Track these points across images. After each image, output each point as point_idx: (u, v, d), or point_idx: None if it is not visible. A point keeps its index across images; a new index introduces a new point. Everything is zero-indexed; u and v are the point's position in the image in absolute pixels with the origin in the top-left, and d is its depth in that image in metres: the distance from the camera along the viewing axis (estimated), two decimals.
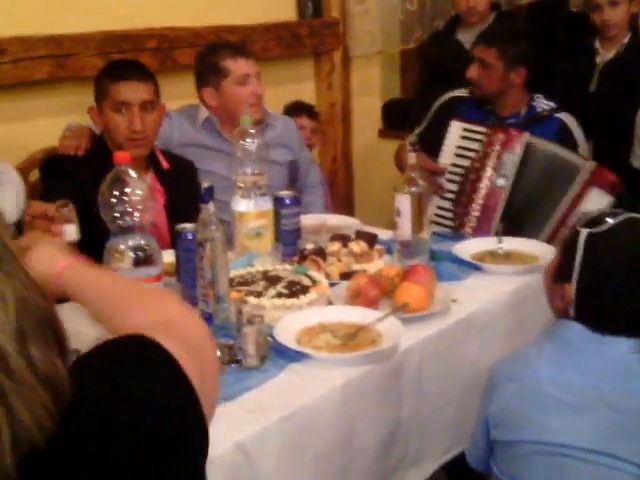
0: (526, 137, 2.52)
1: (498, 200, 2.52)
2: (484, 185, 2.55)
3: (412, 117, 3.26)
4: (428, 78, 3.55)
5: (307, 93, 3.74)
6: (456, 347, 1.80)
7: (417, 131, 2.84)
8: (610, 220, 1.43)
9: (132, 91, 2.21)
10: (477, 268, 2.07)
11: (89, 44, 2.69)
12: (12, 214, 1.94)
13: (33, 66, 2.54)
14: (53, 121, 2.41)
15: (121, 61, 2.42)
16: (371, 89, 4.00)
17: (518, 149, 2.51)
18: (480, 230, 2.49)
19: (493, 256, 2.14)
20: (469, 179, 2.58)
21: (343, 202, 3.97)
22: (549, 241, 2.34)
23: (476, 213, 2.55)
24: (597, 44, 3.16)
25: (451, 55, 3.36)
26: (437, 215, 2.63)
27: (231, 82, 2.55)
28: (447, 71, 3.37)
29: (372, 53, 3.86)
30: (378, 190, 3.74)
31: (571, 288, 1.43)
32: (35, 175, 2.42)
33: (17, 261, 0.81)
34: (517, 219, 2.47)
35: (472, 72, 2.67)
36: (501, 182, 2.53)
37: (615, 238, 1.41)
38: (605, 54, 3.13)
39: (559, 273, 1.48)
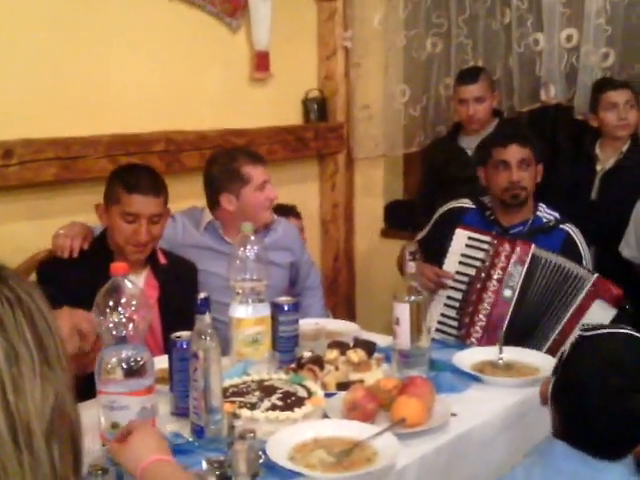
0: (532, 249, 2.51)
1: (504, 311, 2.49)
2: (490, 296, 2.52)
3: (415, 220, 3.28)
4: (431, 181, 3.60)
5: (311, 194, 3.80)
6: (455, 463, 1.75)
7: (418, 237, 2.85)
8: (604, 330, 1.45)
9: (144, 205, 2.25)
10: (477, 379, 2.04)
11: (97, 147, 2.74)
12: None
13: (40, 168, 2.58)
14: (58, 222, 2.43)
15: (136, 169, 2.41)
16: (374, 190, 4.05)
17: (525, 261, 2.50)
18: (486, 341, 2.45)
19: (493, 367, 2.11)
20: (474, 288, 2.56)
21: (344, 302, 3.96)
22: (552, 352, 2.30)
23: (482, 324, 2.51)
24: (597, 150, 3.19)
25: (453, 160, 3.41)
26: (441, 323, 2.60)
27: (251, 189, 2.58)
28: (449, 176, 3.42)
29: (375, 156, 3.93)
30: (380, 290, 3.74)
31: (550, 384, 1.46)
32: (34, 277, 2.42)
33: (68, 368, 0.85)
34: (522, 331, 2.44)
35: (518, 175, 2.64)
36: (507, 293, 2.50)
37: (596, 344, 1.42)
38: (605, 161, 3.16)
39: (554, 367, 1.51)
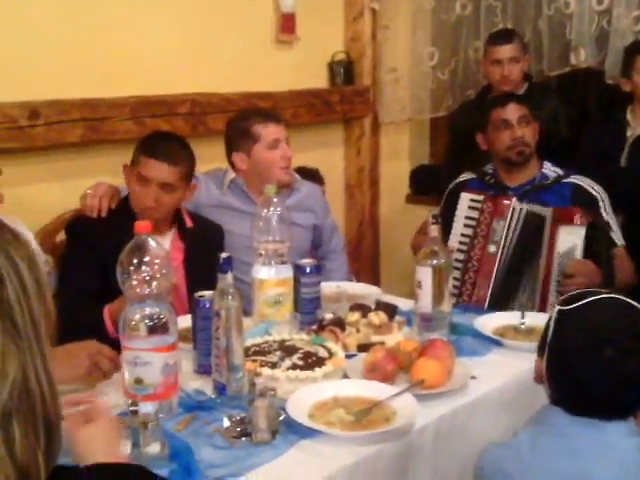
0: (512, 202, 2.59)
1: (491, 267, 2.58)
2: (476, 253, 2.62)
3: (440, 185, 3.27)
4: (457, 146, 3.57)
5: (336, 158, 3.78)
6: (473, 425, 1.76)
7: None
8: (583, 300, 1.39)
9: (157, 171, 2.26)
10: (498, 343, 2.04)
11: (122, 108, 2.75)
12: None
13: (66, 129, 2.60)
14: (84, 182, 2.45)
15: (162, 136, 2.43)
16: (400, 155, 4.03)
17: (506, 215, 2.59)
18: (475, 298, 2.55)
19: (515, 331, 2.11)
20: (469, 248, 2.66)
21: (369, 267, 3.96)
22: (544, 300, 2.45)
23: (471, 281, 2.60)
24: (628, 116, 3.14)
25: (480, 125, 3.38)
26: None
27: (262, 147, 2.60)
28: (475, 140, 3.39)
29: (402, 120, 3.90)
30: (405, 256, 3.71)
31: (542, 364, 1.44)
32: (62, 235, 2.45)
33: (41, 341, 0.80)
34: (509, 284, 2.54)
35: (520, 131, 2.71)
36: (492, 249, 2.59)
37: (580, 317, 1.38)
38: (636, 127, 3.11)
39: (539, 344, 1.48)
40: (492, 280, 2.58)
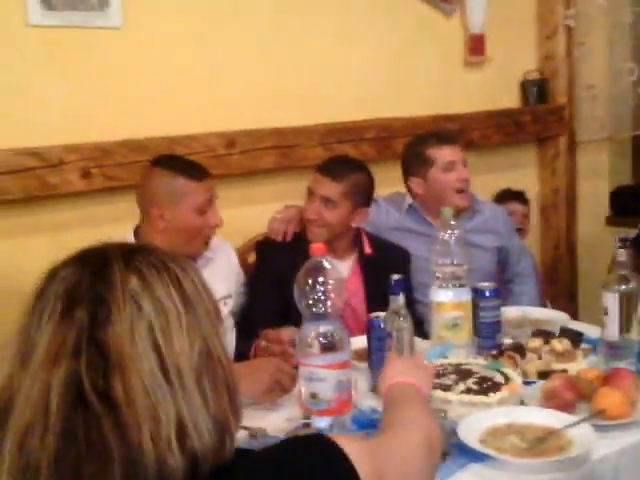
0: None
1: None
2: None
3: None
4: None
5: (528, 179, 3.69)
6: None
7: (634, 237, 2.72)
8: None
9: (318, 184, 2.38)
10: None
11: (311, 136, 2.88)
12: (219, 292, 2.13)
13: (260, 156, 2.76)
14: (276, 206, 2.59)
15: (339, 157, 2.57)
16: (599, 174, 3.85)
17: None
18: None
19: None
20: None
21: (565, 292, 3.81)
22: None
23: None
24: None
25: None
26: None
27: (437, 170, 2.62)
28: None
29: (600, 138, 3.73)
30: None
31: None
32: (254, 256, 2.60)
33: (218, 322, 0.99)
34: None
35: None
36: None
37: None
38: None
39: None
40: None
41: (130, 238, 2.14)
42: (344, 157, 2.57)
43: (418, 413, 1.26)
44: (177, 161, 2.21)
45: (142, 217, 2.18)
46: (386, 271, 2.35)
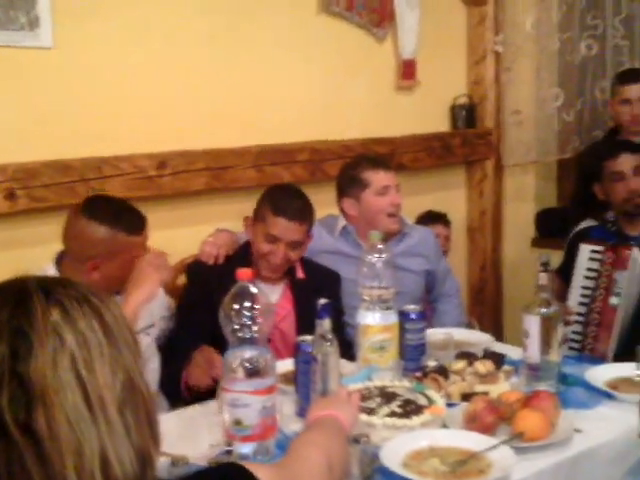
0: (634, 253, 2.51)
1: (612, 319, 2.52)
2: (598, 305, 2.57)
3: (568, 228, 3.20)
4: (585, 188, 3.47)
5: (457, 201, 3.77)
6: None
7: (557, 268, 2.86)
8: None
9: (286, 230, 2.33)
10: (610, 396, 1.96)
11: (244, 157, 2.89)
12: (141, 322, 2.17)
13: (191, 178, 2.75)
14: (207, 228, 2.59)
15: (289, 192, 2.44)
16: (525, 197, 3.96)
17: (626, 266, 2.51)
18: (598, 351, 2.50)
19: (629, 383, 2.02)
20: (591, 301, 2.60)
21: (491, 312, 3.89)
22: None
23: (593, 334, 2.55)
24: None
25: (596, 174, 3.28)
26: (572, 340, 2.62)
27: (371, 193, 2.65)
28: None
29: (526, 162, 3.84)
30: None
31: None
32: (183, 279, 2.59)
33: (138, 353, 1.00)
34: (636, 334, 2.44)
35: (635, 183, 2.65)
36: (614, 301, 2.53)
37: None
38: None
39: None
40: (614, 333, 2.52)
41: (51, 270, 2.08)
42: (291, 191, 2.46)
43: (325, 438, 1.32)
44: (114, 213, 2.08)
45: (70, 256, 2.12)
46: (317, 295, 2.35)
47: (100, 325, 0.95)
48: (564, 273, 2.80)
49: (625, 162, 2.64)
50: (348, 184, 2.69)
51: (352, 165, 2.73)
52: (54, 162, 2.46)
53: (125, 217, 2.09)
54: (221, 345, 2.09)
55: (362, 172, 2.66)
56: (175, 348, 2.26)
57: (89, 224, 2.05)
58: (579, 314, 2.61)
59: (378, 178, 2.65)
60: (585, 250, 2.66)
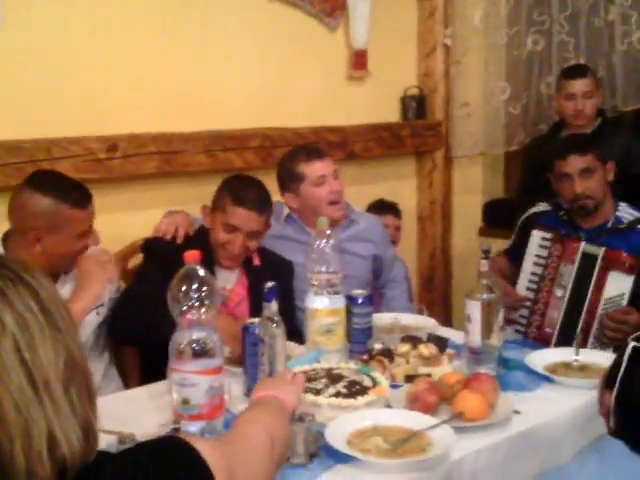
0: (582, 246, 2.58)
1: (556, 310, 2.59)
2: (544, 295, 2.64)
3: (514, 219, 3.28)
4: (530, 180, 3.55)
5: (407, 191, 3.83)
6: (515, 461, 1.76)
7: (506, 248, 2.92)
8: None
9: (246, 220, 2.34)
10: (548, 379, 2.03)
11: (196, 142, 2.89)
12: None
13: (142, 161, 2.75)
14: (157, 213, 2.58)
15: (248, 182, 2.45)
16: (473, 188, 4.04)
17: (574, 259, 2.58)
18: (541, 339, 2.56)
19: (567, 368, 2.10)
20: (538, 288, 2.67)
21: (440, 300, 3.97)
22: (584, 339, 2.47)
23: (537, 323, 2.62)
24: None
25: (554, 159, 3.36)
26: (519, 323, 2.70)
27: (309, 185, 2.65)
28: (548, 175, 3.38)
29: (474, 154, 3.92)
30: None
31: (611, 397, 1.41)
32: (135, 261, 2.59)
33: (74, 327, 1.02)
34: (574, 324, 2.54)
35: (581, 186, 2.64)
36: (559, 293, 2.60)
37: None
38: None
39: (607, 378, 1.46)
40: (558, 324, 2.59)
41: None
42: (249, 181, 2.47)
43: (267, 416, 1.36)
44: (59, 186, 2.07)
45: (14, 231, 2.11)
46: (272, 281, 2.42)
47: (37, 304, 0.96)
48: (512, 254, 2.86)
49: (573, 164, 2.65)
50: (286, 179, 2.69)
51: (286, 159, 2.72)
52: (3, 142, 2.44)
53: (69, 190, 2.08)
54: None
55: (297, 166, 2.65)
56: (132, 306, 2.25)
57: (33, 195, 2.04)
58: (528, 299, 2.69)
59: (313, 169, 2.64)
60: (536, 236, 2.71)
